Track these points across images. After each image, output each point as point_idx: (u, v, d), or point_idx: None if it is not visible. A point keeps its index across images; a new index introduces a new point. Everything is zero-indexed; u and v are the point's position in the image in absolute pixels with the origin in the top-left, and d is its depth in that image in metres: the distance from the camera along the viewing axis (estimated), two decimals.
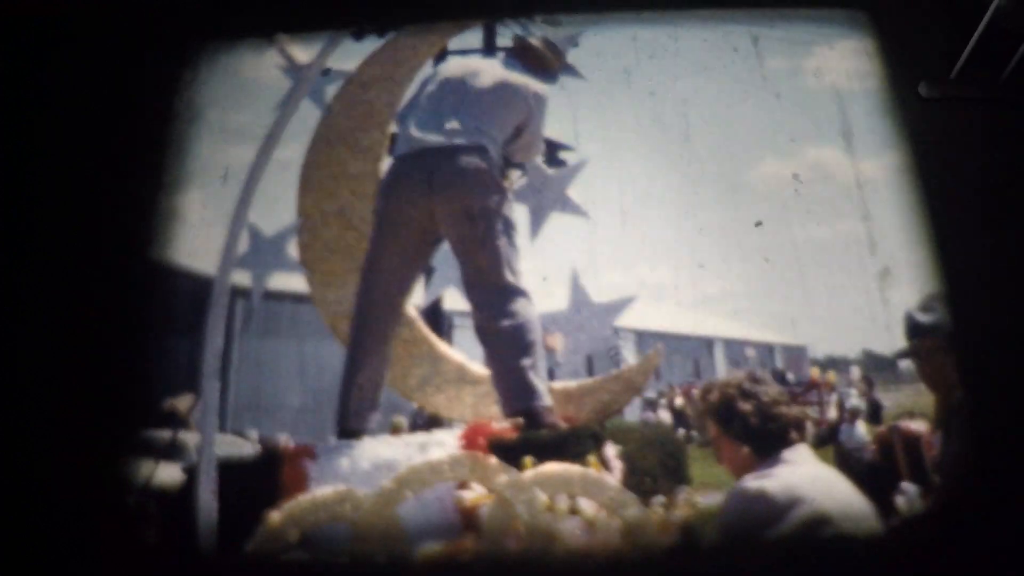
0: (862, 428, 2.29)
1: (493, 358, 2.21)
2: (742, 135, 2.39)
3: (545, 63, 2.49)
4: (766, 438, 1.75)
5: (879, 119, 2.46)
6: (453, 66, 2.50)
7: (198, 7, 2.69)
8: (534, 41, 2.50)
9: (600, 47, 2.53)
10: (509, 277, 2.24)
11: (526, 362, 2.17)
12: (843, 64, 2.54)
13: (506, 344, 2.18)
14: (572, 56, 2.49)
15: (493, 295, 2.22)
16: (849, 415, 2.19)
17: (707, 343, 2.26)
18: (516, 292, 2.24)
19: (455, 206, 2.27)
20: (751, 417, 1.78)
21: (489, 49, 2.72)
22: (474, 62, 2.52)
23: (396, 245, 2.30)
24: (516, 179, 2.47)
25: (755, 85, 2.49)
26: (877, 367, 2.26)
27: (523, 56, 2.49)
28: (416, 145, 2.32)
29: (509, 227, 2.30)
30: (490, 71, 2.47)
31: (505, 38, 2.62)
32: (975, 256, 2.28)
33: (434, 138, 2.31)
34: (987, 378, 2.19)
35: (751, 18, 2.61)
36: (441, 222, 2.29)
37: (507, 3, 2.69)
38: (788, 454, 1.70)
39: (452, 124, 2.34)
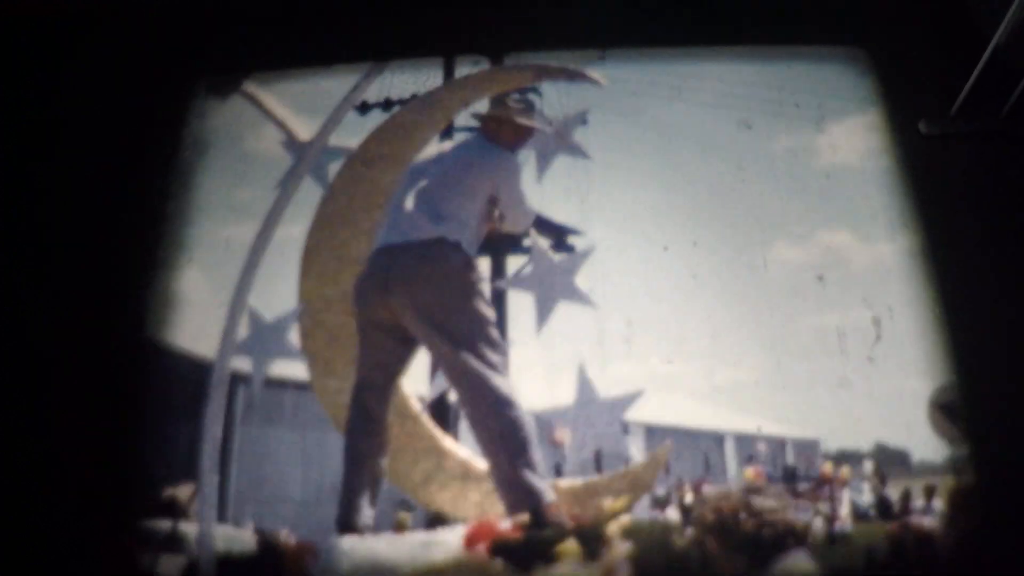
0: None
1: (488, 459, 2.24)
2: (752, 219, 2.40)
3: (509, 129, 2.50)
4: (761, 547, 1.79)
5: (893, 200, 2.48)
6: (424, 153, 2.55)
7: (199, 43, 2.72)
8: (497, 111, 2.53)
9: (606, 125, 2.54)
10: (486, 376, 2.26)
11: (520, 462, 2.20)
12: (852, 141, 2.55)
13: (497, 446, 2.21)
14: (579, 133, 2.52)
15: (473, 395, 2.25)
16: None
17: (718, 437, 2.27)
18: (495, 391, 2.26)
19: (410, 308, 2.31)
20: (747, 528, 1.82)
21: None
22: (439, 147, 2.56)
23: (373, 346, 2.34)
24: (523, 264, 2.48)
25: (765, 165, 2.51)
26: (890, 460, 2.28)
27: (486, 127, 2.52)
28: (379, 242, 2.38)
29: (478, 321, 2.32)
30: (452, 150, 2.52)
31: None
32: (983, 311, 2.31)
33: (392, 235, 2.36)
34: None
35: (750, 56, 2.63)
36: (404, 323, 2.33)
37: (512, 39, 2.73)
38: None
39: (409, 217, 2.38)
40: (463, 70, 2.65)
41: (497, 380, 2.28)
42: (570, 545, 2.12)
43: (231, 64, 2.70)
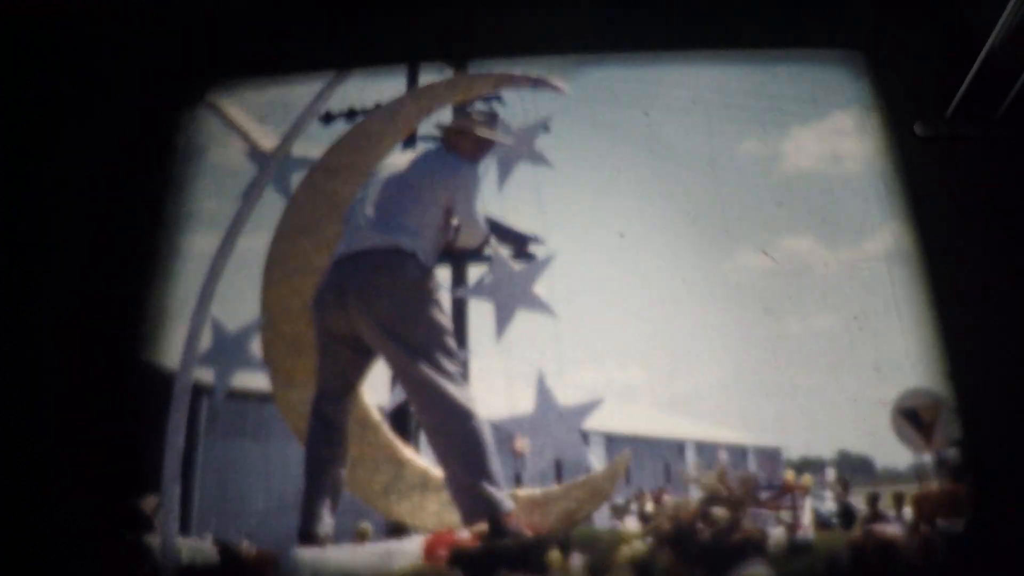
0: None
1: (445, 469, 2.26)
2: (715, 224, 2.40)
3: (470, 140, 2.50)
4: (719, 557, 1.80)
5: (862, 204, 2.48)
6: (385, 163, 2.55)
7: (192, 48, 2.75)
8: (459, 122, 2.53)
9: (568, 131, 2.55)
10: (443, 387, 2.27)
11: (477, 472, 2.21)
12: (821, 145, 2.55)
13: (454, 457, 2.22)
14: (540, 140, 2.53)
15: (429, 406, 2.27)
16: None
17: (678, 446, 2.28)
18: (452, 402, 2.27)
19: (366, 317, 2.32)
20: (704, 538, 1.83)
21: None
22: (398, 157, 2.56)
23: (331, 356, 2.36)
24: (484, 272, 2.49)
25: (729, 169, 2.51)
26: (852, 468, 2.28)
27: (448, 138, 2.52)
28: (336, 252, 2.39)
29: (435, 331, 2.33)
30: (413, 161, 2.51)
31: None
32: (975, 308, 2.31)
33: (350, 244, 2.38)
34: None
35: (744, 59, 2.63)
36: (361, 334, 2.34)
37: (485, 45, 2.74)
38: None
39: (366, 226, 2.39)
40: (428, 77, 2.67)
41: (454, 390, 2.29)
42: (555, 554, 2.13)
43: (196, 73, 2.73)
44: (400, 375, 2.33)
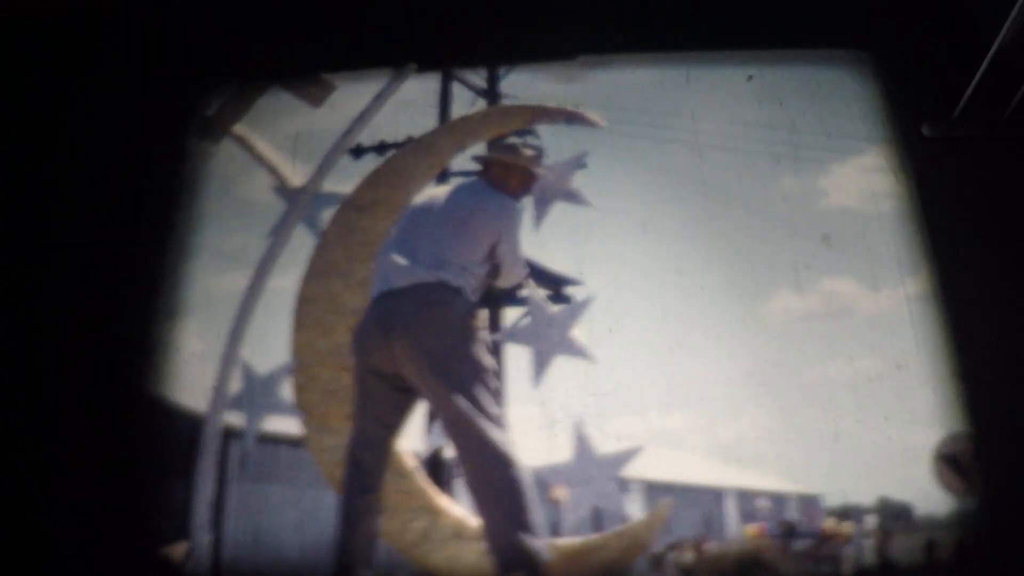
0: None
1: (483, 517, 2.21)
2: (753, 265, 2.39)
3: (516, 175, 2.45)
4: None
5: (900, 244, 2.47)
6: (421, 195, 2.50)
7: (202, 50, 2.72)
8: (506, 155, 2.47)
9: (606, 171, 2.53)
10: (485, 430, 2.21)
11: (517, 523, 2.18)
12: (859, 183, 2.54)
13: (493, 505, 2.17)
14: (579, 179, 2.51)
15: (471, 450, 2.21)
16: None
17: (718, 494, 2.27)
18: (494, 447, 2.21)
19: (412, 353, 2.26)
20: None
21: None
22: (438, 190, 2.51)
23: (371, 396, 2.30)
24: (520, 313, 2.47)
25: (767, 210, 2.49)
26: (893, 515, 2.28)
27: (490, 172, 2.46)
28: (379, 288, 2.33)
29: (480, 370, 2.27)
30: (453, 193, 2.45)
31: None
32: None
33: (393, 279, 2.31)
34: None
35: (752, 59, 2.62)
36: (404, 371, 2.28)
37: (511, 49, 2.72)
38: None
39: (410, 261, 2.32)
40: (459, 104, 2.65)
41: (496, 434, 2.24)
42: None
43: (198, 76, 2.70)
44: (442, 415, 2.29)
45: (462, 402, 2.24)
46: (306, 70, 2.73)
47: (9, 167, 2.62)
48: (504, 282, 2.40)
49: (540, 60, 2.67)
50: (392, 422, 2.34)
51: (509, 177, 2.46)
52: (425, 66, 2.69)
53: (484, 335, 2.36)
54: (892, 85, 2.56)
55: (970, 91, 2.35)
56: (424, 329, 2.29)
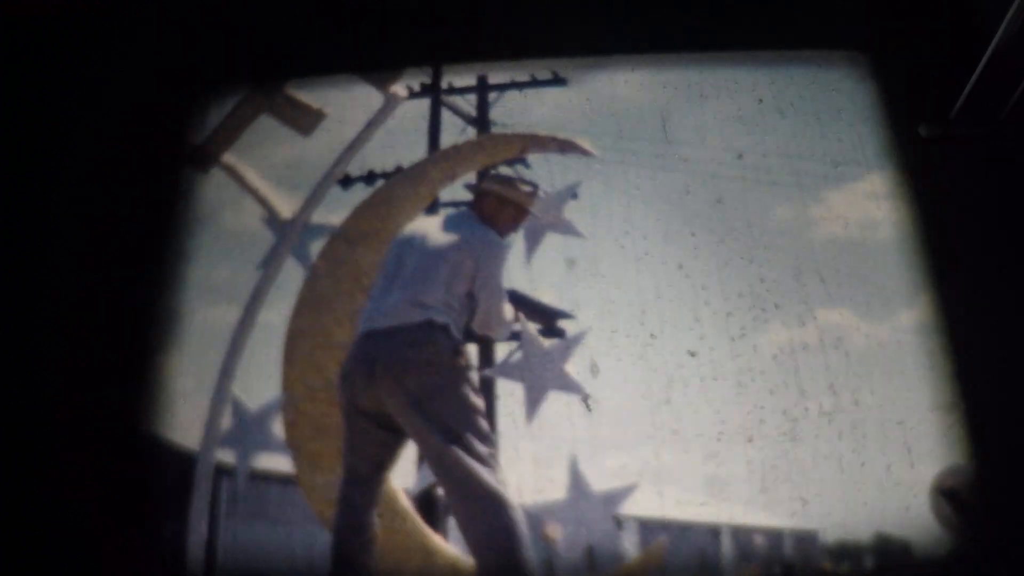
0: None
1: (475, 559, 2.17)
2: (746, 298, 2.38)
3: (509, 210, 2.39)
4: None
5: (896, 274, 2.47)
6: (406, 230, 2.43)
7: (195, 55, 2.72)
8: (498, 186, 2.42)
9: (596, 202, 2.52)
10: (473, 470, 2.16)
11: (508, 564, 2.15)
12: (853, 211, 2.54)
13: (483, 547, 2.14)
14: (569, 210, 2.50)
15: (460, 491, 2.17)
16: None
17: (714, 531, 2.27)
18: (483, 487, 2.17)
19: (395, 393, 2.22)
20: None
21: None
22: (424, 222, 2.46)
23: (359, 435, 2.26)
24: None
25: (759, 239, 2.49)
26: (891, 551, 2.27)
27: (482, 203, 2.40)
28: (363, 327, 2.29)
29: (466, 409, 2.22)
30: (439, 225, 2.40)
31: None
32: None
33: (378, 319, 2.27)
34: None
35: (749, 61, 2.62)
36: (389, 410, 2.24)
37: (504, 48, 2.71)
38: None
39: (394, 298, 2.28)
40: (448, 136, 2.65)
41: (485, 475, 2.21)
42: None
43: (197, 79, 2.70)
44: (430, 457, 2.25)
45: (447, 442, 2.20)
46: (296, 75, 2.73)
47: None
48: (480, 326, 2.31)
49: (532, 58, 2.66)
50: (382, 461, 2.31)
51: (501, 211, 2.40)
52: (416, 63, 2.68)
53: (471, 373, 2.31)
54: (889, 85, 2.57)
55: (967, 91, 2.35)
56: (407, 368, 2.25)
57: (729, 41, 2.65)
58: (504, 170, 2.49)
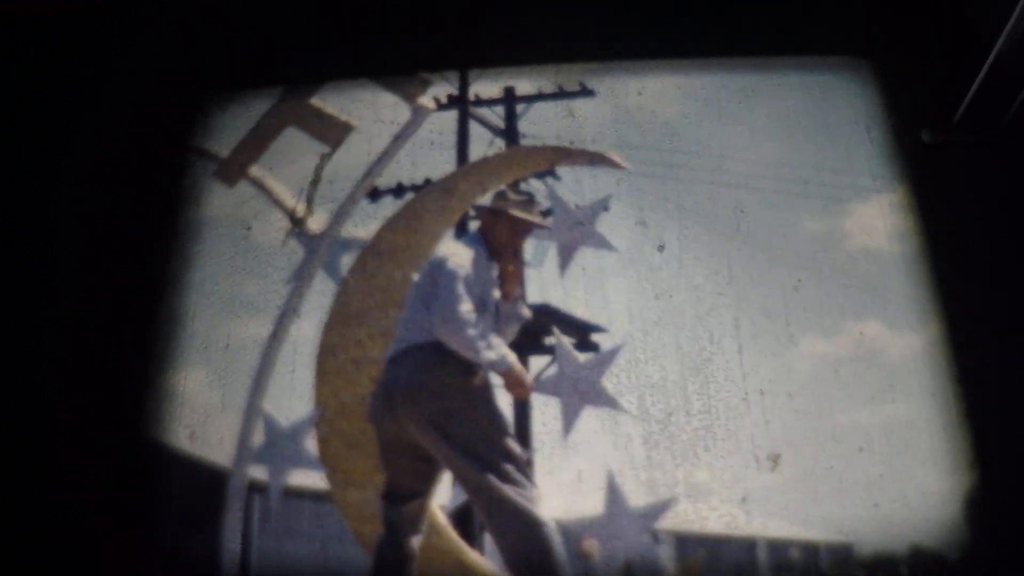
0: None
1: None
2: (781, 310, 2.39)
3: (504, 223, 2.42)
4: None
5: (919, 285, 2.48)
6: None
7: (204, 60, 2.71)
8: (494, 203, 2.45)
9: (633, 212, 2.52)
10: (502, 490, 2.21)
11: None
12: (881, 223, 2.55)
13: (519, 566, 2.19)
14: (601, 222, 2.50)
15: (492, 512, 2.22)
16: None
17: (749, 544, 2.28)
18: (514, 505, 2.22)
19: (416, 419, 2.27)
20: None
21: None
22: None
23: (394, 466, 2.31)
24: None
25: (789, 251, 2.50)
26: (925, 563, 2.29)
27: (482, 222, 2.44)
28: (387, 355, 2.36)
29: (488, 429, 2.27)
30: (443, 250, 2.43)
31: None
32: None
33: (396, 344, 2.33)
34: None
35: (753, 66, 2.63)
36: (414, 439, 2.29)
37: (523, 54, 2.72)
38: None
39: (407, 322, 2.33)
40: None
41: (516, 495, 2.25)
42: None
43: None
44: (458, 478, 2.30)
45: (473, 465, 2.25)
46: (319, 80, 2.73)
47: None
48: (441, 333, 2.31)
49: (549, 63, 2.67)
50: (419, 488, 2.34)
51: (497, 226, 2.44)
52: (437, 69, 2.69)
53: (489, 391, 2.33)
54: (892, 92, 2.59)
55: (969, 97, 2.39)
56: (424, 393, 2.30)
57: (732, 48, 2.68)
58: (502, 188, 2.50)
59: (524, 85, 2.71)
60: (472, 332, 2.28)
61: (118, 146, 2.69)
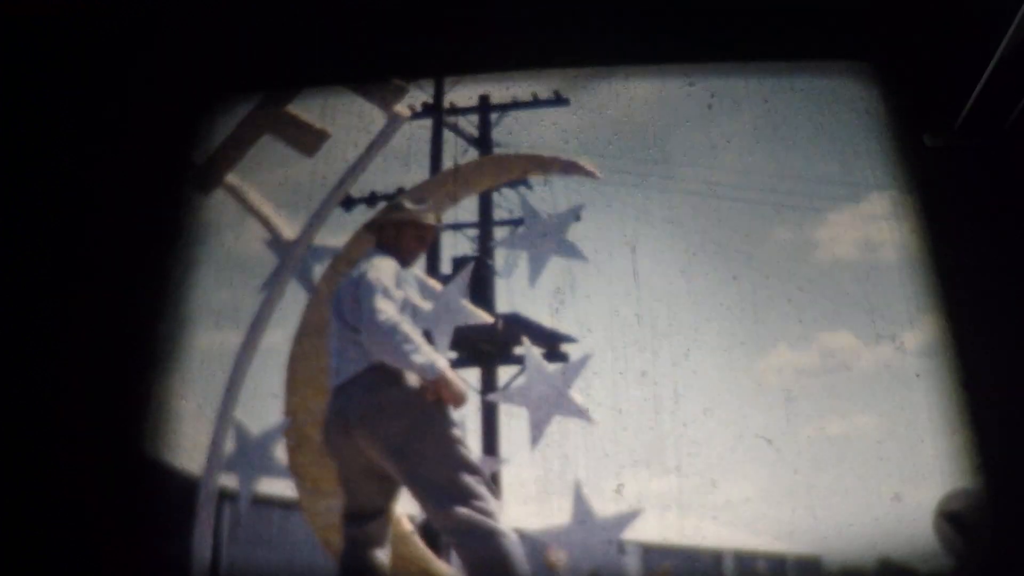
0: None
1: None
2: (749, 321, 2.39)
3: (408, 232, 2.43)
4: None
5: (900, 294, 2.48)
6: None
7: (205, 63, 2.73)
8: (389, 215, 2.45)
9: (601, 220, 2.53)
10: (462, 503, 2.22)
11: None
12: (855, 233, 2.55)
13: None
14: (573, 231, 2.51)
15: (449, 526, 2.23)
16: None
17: (716, 556, 2.28)
18: (472, 519, 2.23)
19: (373, 441, 2.29)
20: None
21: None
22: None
23: (355, 490, 2.32)
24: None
25: (763, 262, 2.50)
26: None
27: (383, 236, 2.44)
28: (332, 382, 2.37)
29: (444, 444, 2.28)
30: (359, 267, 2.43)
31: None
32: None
33: (342, 371, 2.33)
34: None
35: (753, 72, 2.63)
36: (373, 459, 2.30)
37: (506, 61, 2.72)
38: None
39: (343, 351, 2.34)
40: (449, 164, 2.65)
41: (476, 505, 2.25)
42: None
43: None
44: (416, 496, 2.31)
45: (432, 482, 2.26)
46: (296, 86, 2.74)
47: None
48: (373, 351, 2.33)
49: (534, 68, 2.68)
50: (379, 504, 2.35)
51: (402, 237, 2.46)
52: (415, 76, 2.70)
53: (441, 407, 2.33)
54: (894, 95, 2.59)
55: (972, 101, 2.37)
56: (377, 415, 2.31)
57: (733, 53, 2.67)
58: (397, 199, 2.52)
59: (499, 93, 2.73)
60: (397, 338, 2.28)
61: (118, 148, 2.72)
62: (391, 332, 2.28)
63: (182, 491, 2.38)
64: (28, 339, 2.52)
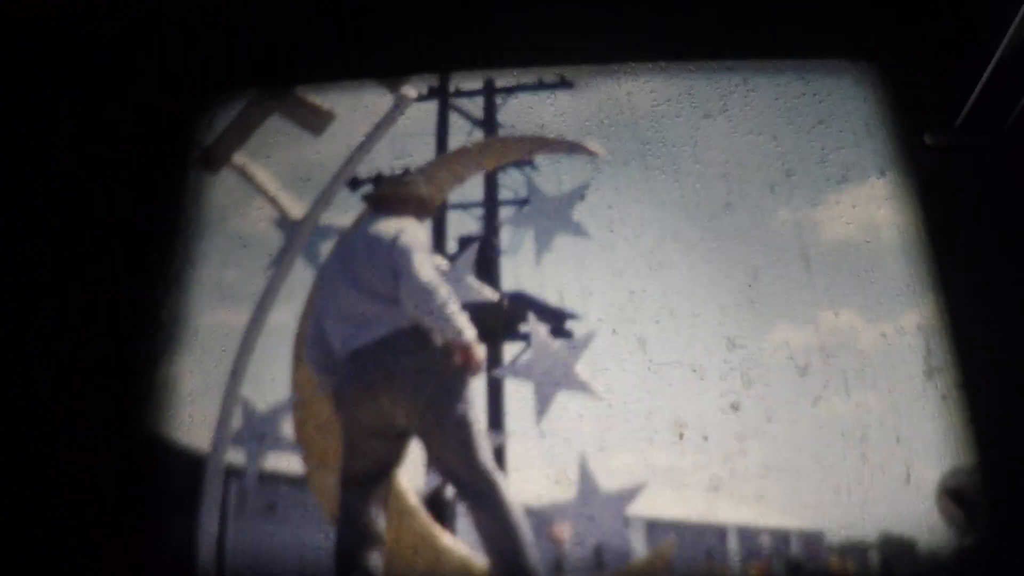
0: None
1: (489, 556, 2.28)
2: (752, 299, 2.42)
3: (410, 207, 2.49)
4: None
5: (901, 276, 2.50)
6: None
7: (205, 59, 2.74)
8: (392, 188, 2.49)
9: (607, 200, 2.55)
10: (488, 471, 2.28)
11: (510, 566, 2.23)
12: (859, 213, 2.57)
13: (488, 550, 2.24)
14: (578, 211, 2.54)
15: (470, 491, 2.28)
16: None
17: (720, 531, 2.30)
18: (489, 480, 2.27)
19: (404, 403, 2.32)
20: None
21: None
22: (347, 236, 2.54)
23: (361, 452, 2.35)
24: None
25: (765, 240, 2.52)
26: (895, 551, 2.31)
27: (385, 206, 2.49)
28: (347, 347, 2.39)
29: (472, 410, 2.32)
30: (361, 235, 2.48)
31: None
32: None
33: (362, 335, 2.36)
34: None
35: (754, 69, 2.65)
36: (398, 421, 2.33)
37: (512, 56, 2.74)
38: None
39: (360, 313, 2.36)
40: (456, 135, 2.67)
41: (491, 463, 2.31)
42: None
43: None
44: (439, 462, 2.35)
45: (459, 436, 2.32)
46: (303, 80, 2.76)
47: None
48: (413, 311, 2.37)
49: (539, 65, 2.70)
50: (386, 469, 2.39)
51: (405, 210, 2.51)
52: (420, 71, 2.72)
53: (462, 373, 2.38)
54: (894, 94, 2.61)
55: (973, 100, 2.40)
56: (415, 377, 2.35)
57: (734, 50, 2.69)
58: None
59: (504, 78, 2.75)
60: (440, 299, 2.35)
61: (118, 146, 2.73)
62: (435, 293, 2.35)
63: (189, 467, 2.40)
64: (35, 324, 2.55)
